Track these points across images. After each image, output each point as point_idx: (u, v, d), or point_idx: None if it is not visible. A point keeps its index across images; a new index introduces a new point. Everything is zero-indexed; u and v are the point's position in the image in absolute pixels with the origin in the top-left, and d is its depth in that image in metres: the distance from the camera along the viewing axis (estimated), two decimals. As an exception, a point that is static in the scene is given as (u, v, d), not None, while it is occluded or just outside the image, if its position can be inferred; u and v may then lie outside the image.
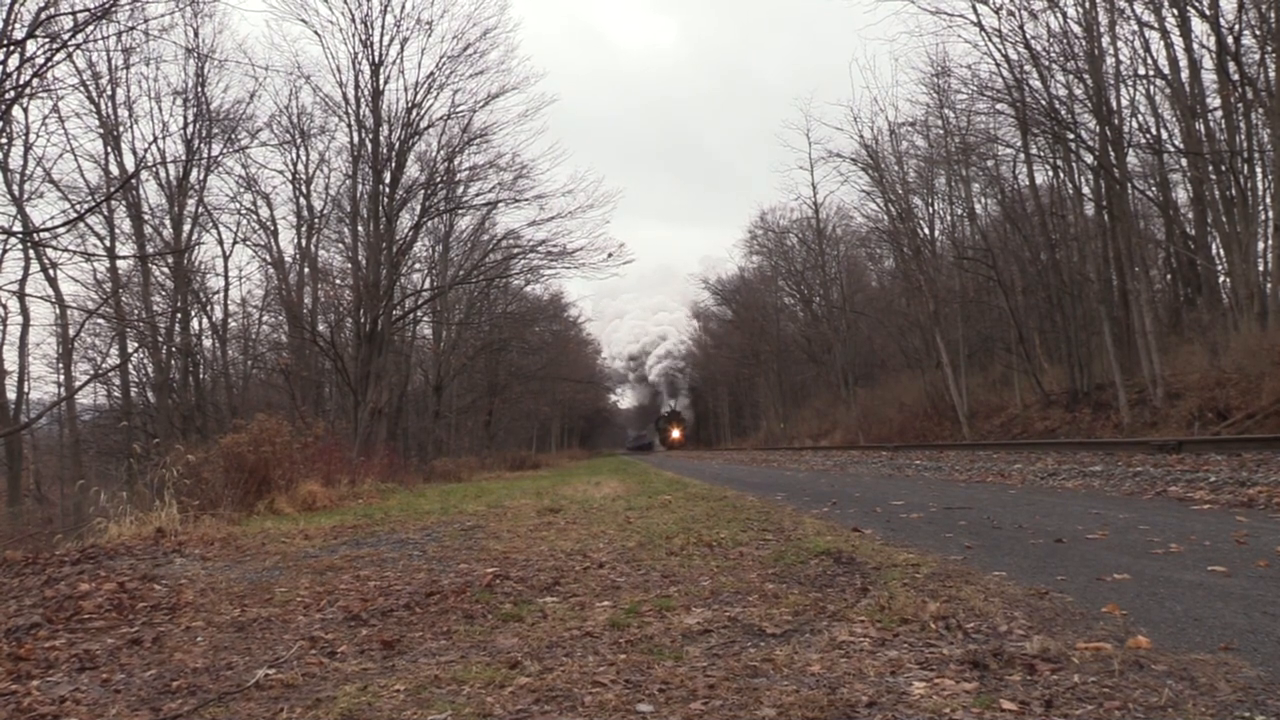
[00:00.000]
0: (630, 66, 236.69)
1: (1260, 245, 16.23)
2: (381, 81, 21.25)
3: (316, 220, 26.81)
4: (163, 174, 22.03)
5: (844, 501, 8.37)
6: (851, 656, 2.78)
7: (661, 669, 2.74)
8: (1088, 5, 18.03)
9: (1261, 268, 16.20)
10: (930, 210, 30.05)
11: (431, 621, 3.69)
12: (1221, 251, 18.12)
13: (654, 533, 6.22)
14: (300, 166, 26.03)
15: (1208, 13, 16.18)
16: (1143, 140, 19.89)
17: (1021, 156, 22.32)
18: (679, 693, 2.51)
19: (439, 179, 23.23)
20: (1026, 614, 3.17)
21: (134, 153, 22.11)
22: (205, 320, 24.68)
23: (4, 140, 18.12)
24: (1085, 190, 20.45)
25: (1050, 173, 22.23)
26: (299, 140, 24.96)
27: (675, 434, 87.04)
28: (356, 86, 21.37)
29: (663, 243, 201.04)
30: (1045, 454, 13.07)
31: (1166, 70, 18.06)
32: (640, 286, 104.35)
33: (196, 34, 21.67)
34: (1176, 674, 2.40)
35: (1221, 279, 19.22)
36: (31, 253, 19.23)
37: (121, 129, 21.46)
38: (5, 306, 21.23)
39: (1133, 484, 8.00)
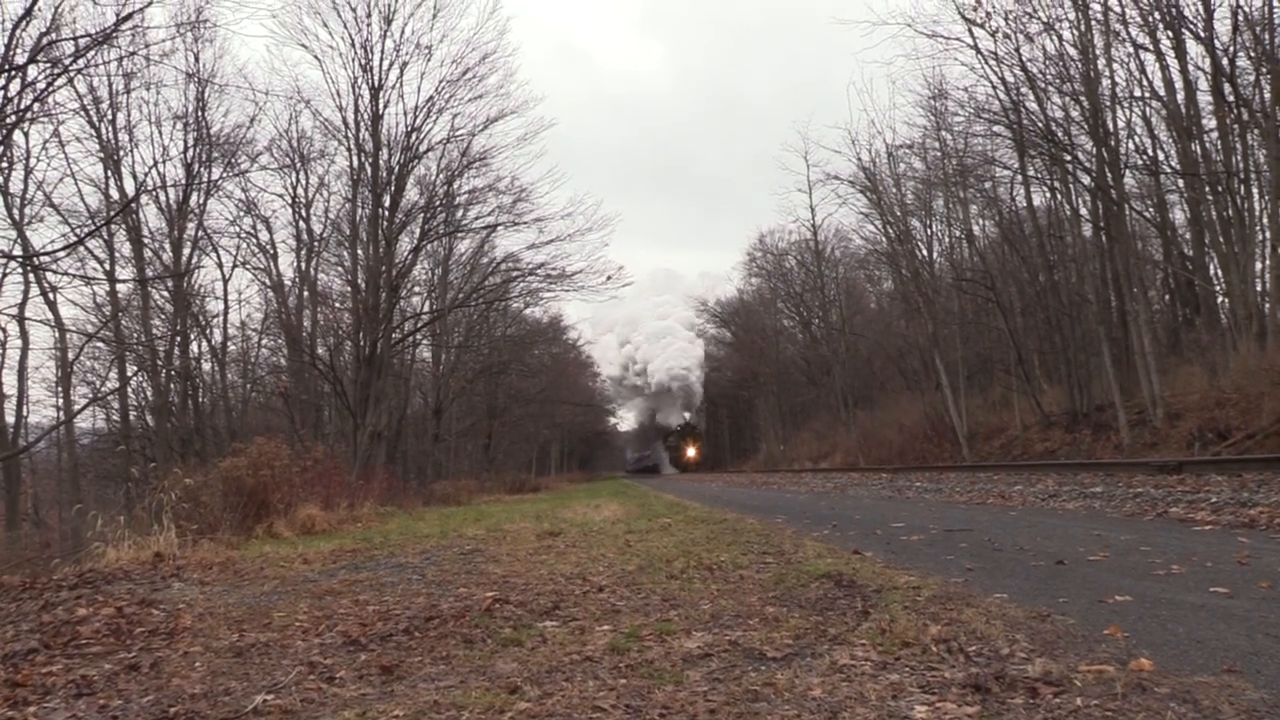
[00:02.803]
0: (618, 90, 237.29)
1: (1258, 265, 16.27)
2: (381, 106, 21.39)
3: (316, 244, 26.87)
4: (163, 198, 22.08)
5: (844, 524, 8.34)
6: (853, 680, 2.77)
7: (662, 693, 2.73)
8: (1083, 28, 18.21)
9: (1259, 288, 16.23)
10: (928, 232, 30.13)
11: (431, 646, 3.67)
12: (1219, 272, 18.16)
13: (654, 556, 6.20)
14: (300, 190, 26.11)
15: (1203, 35, 16.32)
16: (1139, 161, 20.02)
17: (1019, 178, 22.40)
18: (679, 717, 2.50)
19: (438, 202, 23.32)
20: (1028, 636, 3.16)
21: (134, 177, 22.13)
22: (204, 344, 24.73)
23: (5, 165, 18.28)
24: (1083, 211, 20.52)
25: (1048, 194, 22.35)
26: (299, 164, 25.10)
27: (690, 452, 70.90)
28: (356, 111, 21.52)
29: (659, 266, 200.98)
30: (1045, 475, 13.05)
31: (1162, 92, 18.18)
32: (640, 295, 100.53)
33: (197, 59, 21.78)
34: (1179, 696, 2.38)
35: (1220, 299, 19.25)
36: (31, 276, 19.23)
37: (122, 153, 21.53)
38: (5, 330, 21.27)
39: (1133, 505, 7.98)
